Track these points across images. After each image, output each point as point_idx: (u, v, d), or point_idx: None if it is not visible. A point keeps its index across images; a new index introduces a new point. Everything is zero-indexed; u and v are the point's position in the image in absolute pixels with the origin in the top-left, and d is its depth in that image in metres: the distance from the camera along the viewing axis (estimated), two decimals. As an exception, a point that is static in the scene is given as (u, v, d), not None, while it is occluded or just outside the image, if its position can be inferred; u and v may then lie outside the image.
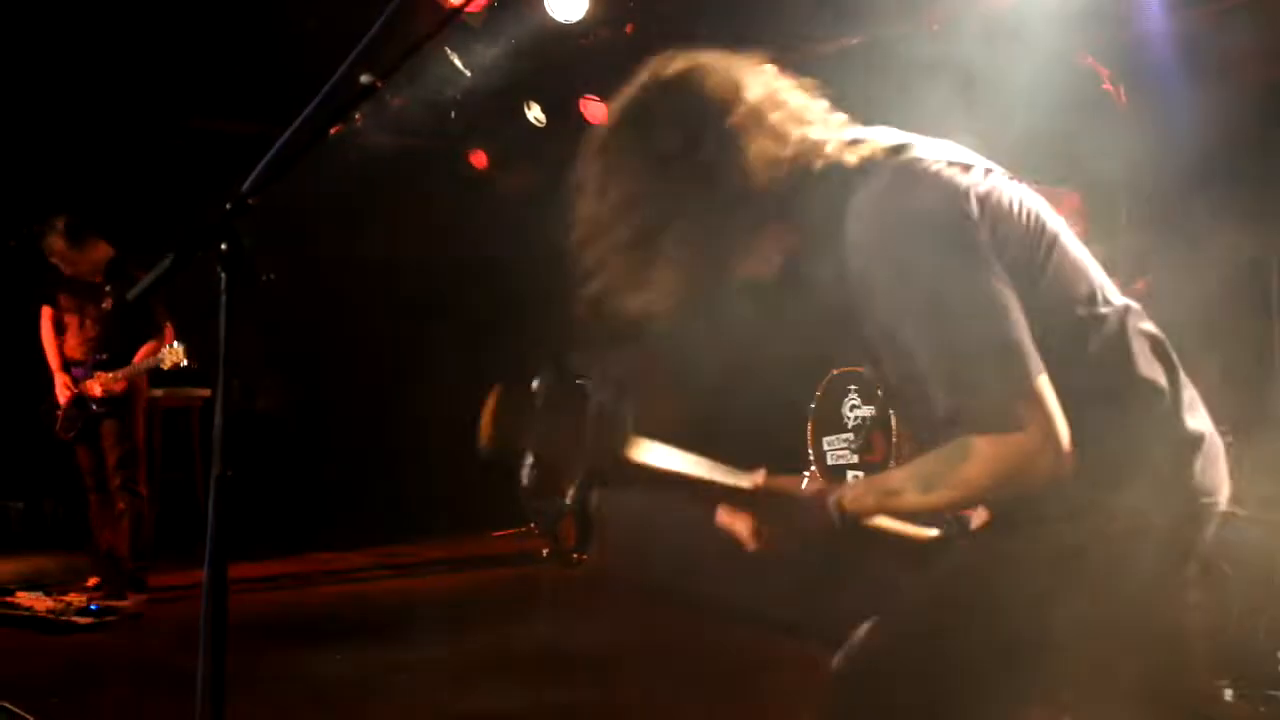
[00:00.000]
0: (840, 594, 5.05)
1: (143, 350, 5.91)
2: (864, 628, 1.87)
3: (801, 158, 1.71)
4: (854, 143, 1.76)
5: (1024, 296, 1.65)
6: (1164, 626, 1.84)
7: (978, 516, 1.93)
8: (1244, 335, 4.99)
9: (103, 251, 6.05)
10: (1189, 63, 5.40)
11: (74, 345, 6.01)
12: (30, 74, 7.76)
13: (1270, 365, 4.97)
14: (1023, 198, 1.76)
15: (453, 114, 8.27)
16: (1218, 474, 1.81)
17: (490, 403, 1.86)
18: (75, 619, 5.40)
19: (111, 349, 5.91)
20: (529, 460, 1.86)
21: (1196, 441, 1.78)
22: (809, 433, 6.19)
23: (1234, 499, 4.82)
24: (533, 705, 4.33)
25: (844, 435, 6.04)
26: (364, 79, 1.77)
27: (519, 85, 7.93)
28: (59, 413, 6.00)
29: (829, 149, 1.74)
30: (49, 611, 5.46)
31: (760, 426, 7.60)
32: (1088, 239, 5.18)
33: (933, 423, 1.70)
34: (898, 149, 1.75)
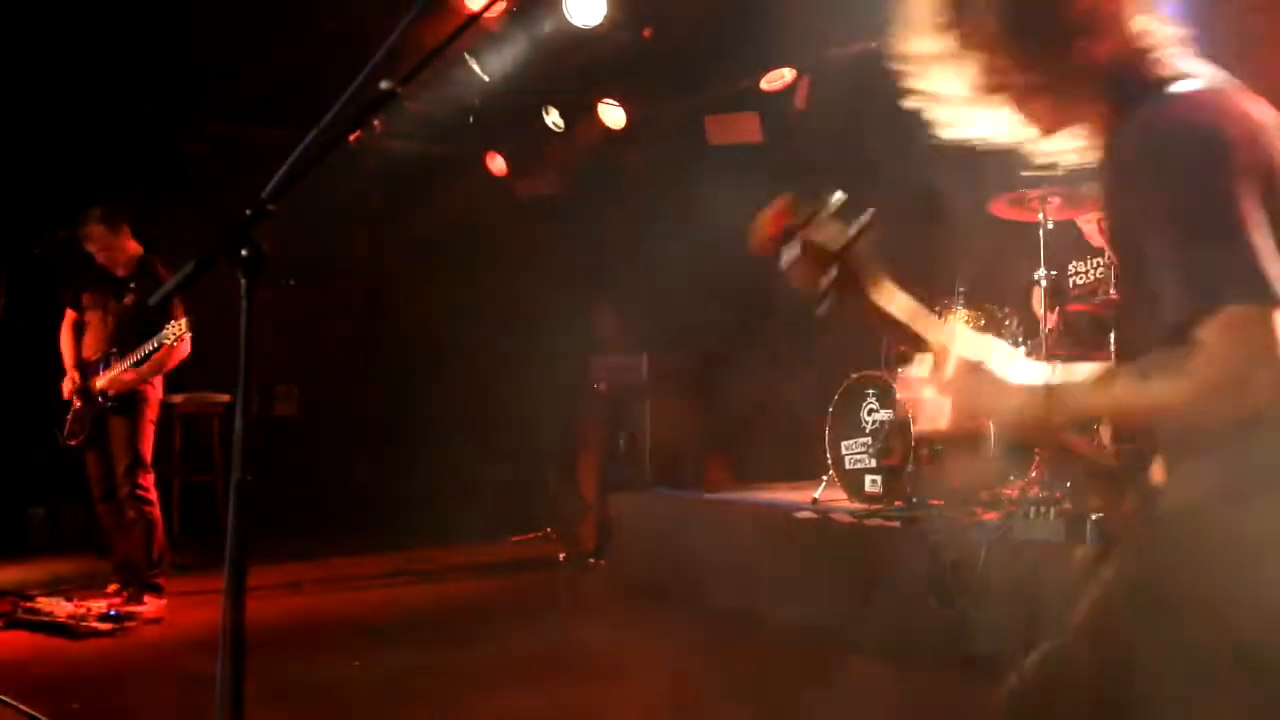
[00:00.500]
0: (863, 599, 5.05)
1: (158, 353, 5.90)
2: (1054, 647, 1.82)
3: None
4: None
5: None
6: None
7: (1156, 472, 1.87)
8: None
9: (133, 246, 6.09)
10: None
11: (91, 343, 6.03)
12: (53, 83, 7.81)
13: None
14: None
15: (471, 119, 8.29)
16: None
17: (781, 204, 1.83)
18: (95, 625, 5.42)
19: (124, 345, 5.92)
20: (796, 246, 1.82)
21: None
22: (827, 437, 6.17)
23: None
24: (551, 709, 4.33)
25: (862, 439, 6.02)
26: (384, 85, 1.77)
27: (538, 90, 7.93)
28: (68, 416, 6.03)
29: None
30: (69, 617, 5.48)
31: (779, 432, 7.61)
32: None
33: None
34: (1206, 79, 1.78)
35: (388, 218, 9.23)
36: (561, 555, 7.34)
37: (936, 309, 6.04)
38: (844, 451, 6.09)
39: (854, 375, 6.16)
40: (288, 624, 5.65)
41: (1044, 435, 1.88)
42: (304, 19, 7.05)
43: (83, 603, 5.68)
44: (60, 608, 5.58)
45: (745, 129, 7.86)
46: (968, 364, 1.83)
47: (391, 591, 6.72)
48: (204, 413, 8.53)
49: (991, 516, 5.31)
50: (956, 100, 1.90)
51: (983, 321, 5.87)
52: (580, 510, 7.70)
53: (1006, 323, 5.88)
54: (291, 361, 9.32)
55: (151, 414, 6.01)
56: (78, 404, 6.01)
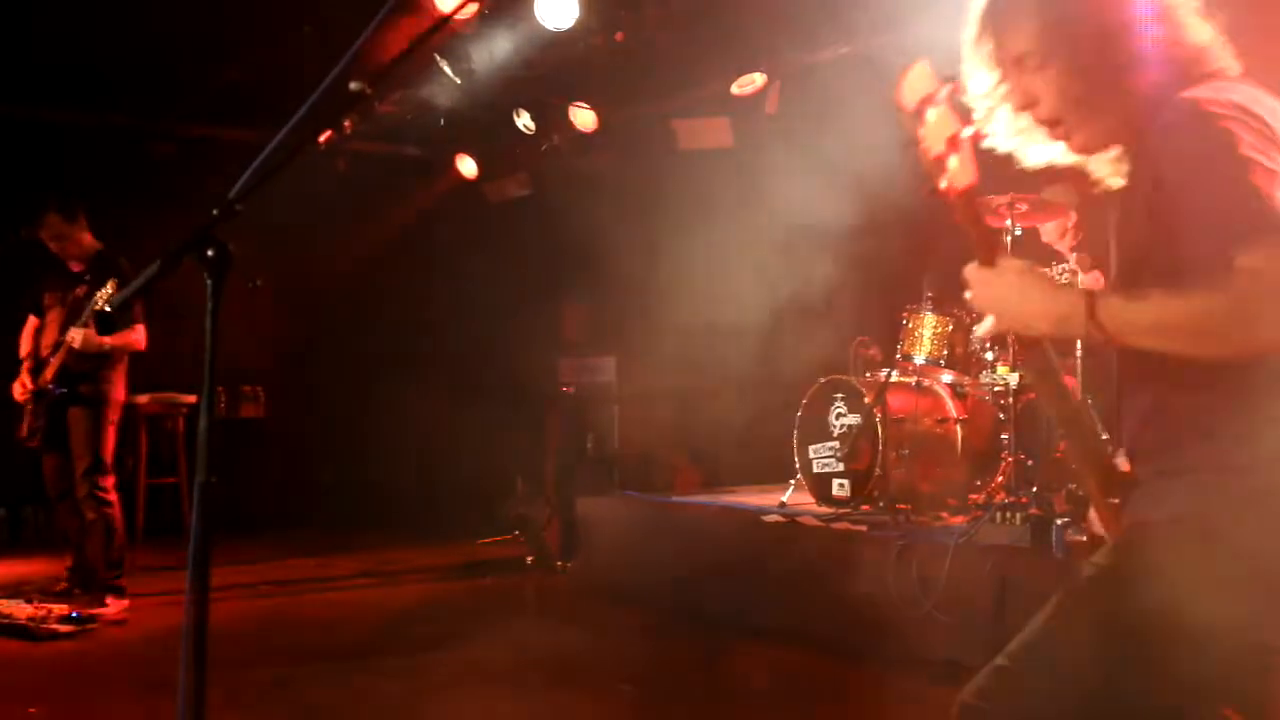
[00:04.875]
0: (831, 602, 5.08)
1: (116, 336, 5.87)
2: (1007, 660, 1.83)
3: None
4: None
5: None
6: None
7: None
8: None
9: (89, 240, 6.06)
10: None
11: (47, 341, 5.98)
12: (18, 82, 7.74)
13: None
14: None
15: (442, 121, 8.27)
16: None
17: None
18: (56, 627, 5.37)
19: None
20: (943, 110, 1.85)
21: None
22: (795, 440, 6.20)
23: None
24: (518, 713, 4.32)
25: (829, 443, 6.05)
26: (353, 86, 1.76)
27: (509, 92, 7.93)
28: (24, 417, 5.98)
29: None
30: (30, 619, 5.42)
31: (747, 435, 7.63)
32: (1079, 248, 5.16)
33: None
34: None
35: (356, 219, 9.19)
36: (529, 559, 7.33)
37: (904, 314, 6.08)
38: (811, 455, 6.11)
39: (822, 379, 6.18)
40: (252, 626, 5.62)
41: (1037, 363, 1.94)
42: (274, 20, 7.01)
43: (44, 605, 5.62)
44: (21, 609, 5.52)
45: (716, 134, 7.88)
46: (1021, 265, 1.85)
47: (357, 594, 6.69)
48: (169, 414, 8.46)
49: (958, 520, 5.34)
50: (1013, 130, 1.97)
51: (950, 327, 5.91)
52: (548, 514, 7.69)
53: (974, 329, 5.93)
54: (258, 363, 9.27)
55: (113, 415, 5.96)
56: (30, 405, 5.97)
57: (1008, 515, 4.82)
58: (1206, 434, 1.77)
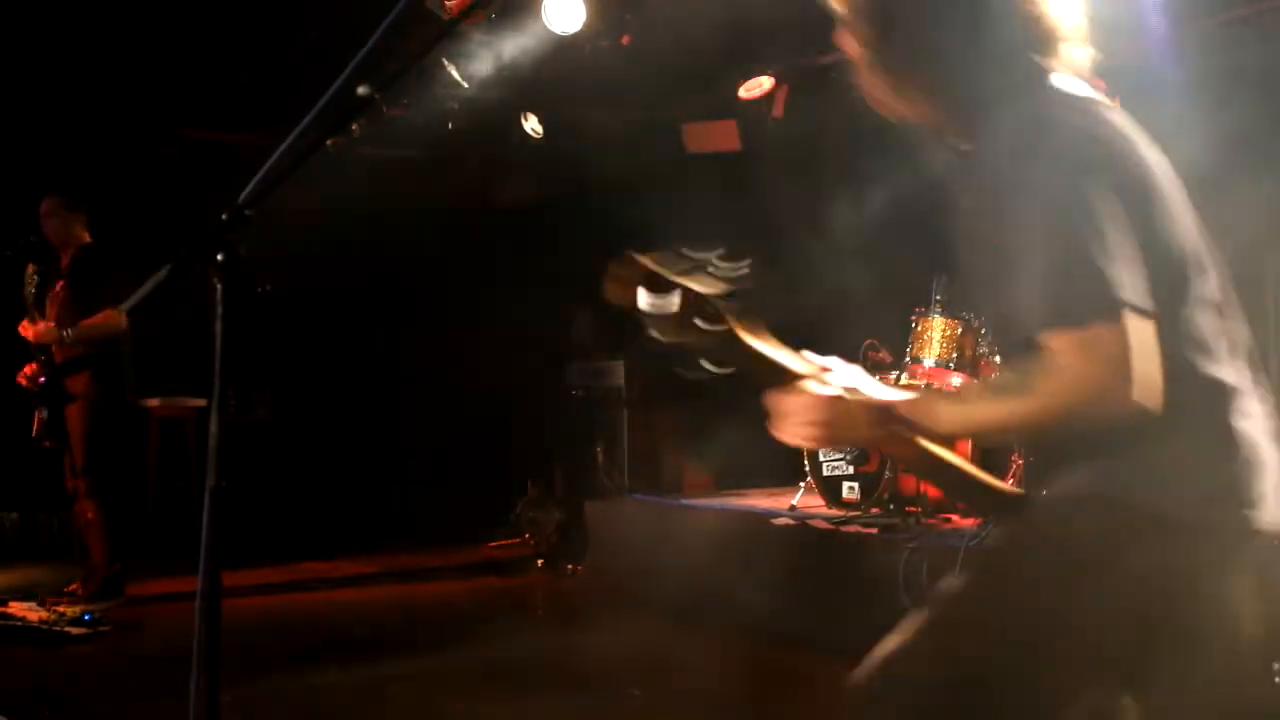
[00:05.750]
0: (841, 605, 5.06)
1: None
2: (889, 641, 1.82)
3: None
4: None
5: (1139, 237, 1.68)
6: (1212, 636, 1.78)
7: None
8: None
9: (81, 233, 6.12)
10: (1190, 77, 5.41)
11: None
12: (27, 86, 7.77)
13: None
14: (1142, 144, 1.80)
15: (449, 125, 8.28)
16: (1264, 489, 1.76)
17: (650, 257, 1.84)
18: (68, 630, 5.38)
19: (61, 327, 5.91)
20: (672, 297, 1.81)
21: (1251, 449, 1.75)
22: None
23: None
24: (527, 716, 4.32)
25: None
26: (362, 90, 1.77)
27: (516, 96, 7.94)
28: (35, 418, 6.02)
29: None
30: (42, 623, 5.43)
31: (758, 438, 7.62)
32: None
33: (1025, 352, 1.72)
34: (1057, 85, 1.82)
35: (365, 223, 9.19)
36: (538, 561, 7.33)
37: (913, 317, 6.07)
38: (822, 458, 6.11)
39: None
40: (263, 629, 5.62)
41: (910, 453, 1.90)
42: (283, 24, 7.03)
43: (56, 608, 5.63)
44: (33, 613, 5.54)
45: (724, 137, 7.89)
46: (830, 392, 1.84)
47: (368, 597, 6.70)
48: (179, 417, 8.49)
49: (968, 523, 5.33)
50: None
51: (960, 330, 5.91)
52: (557, 517, 7.69)
53: (983, 332, 5.92)
54: (267, 366, 9.28)
55: (107, 410, 5.97)
56: (35, 403, 6.00)
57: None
58: (1066, 460, 1.80)
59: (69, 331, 5.83)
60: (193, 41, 7.31)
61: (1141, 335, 1.61)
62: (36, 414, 5.99)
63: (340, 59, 1.81)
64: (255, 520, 7.96)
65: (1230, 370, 1.76)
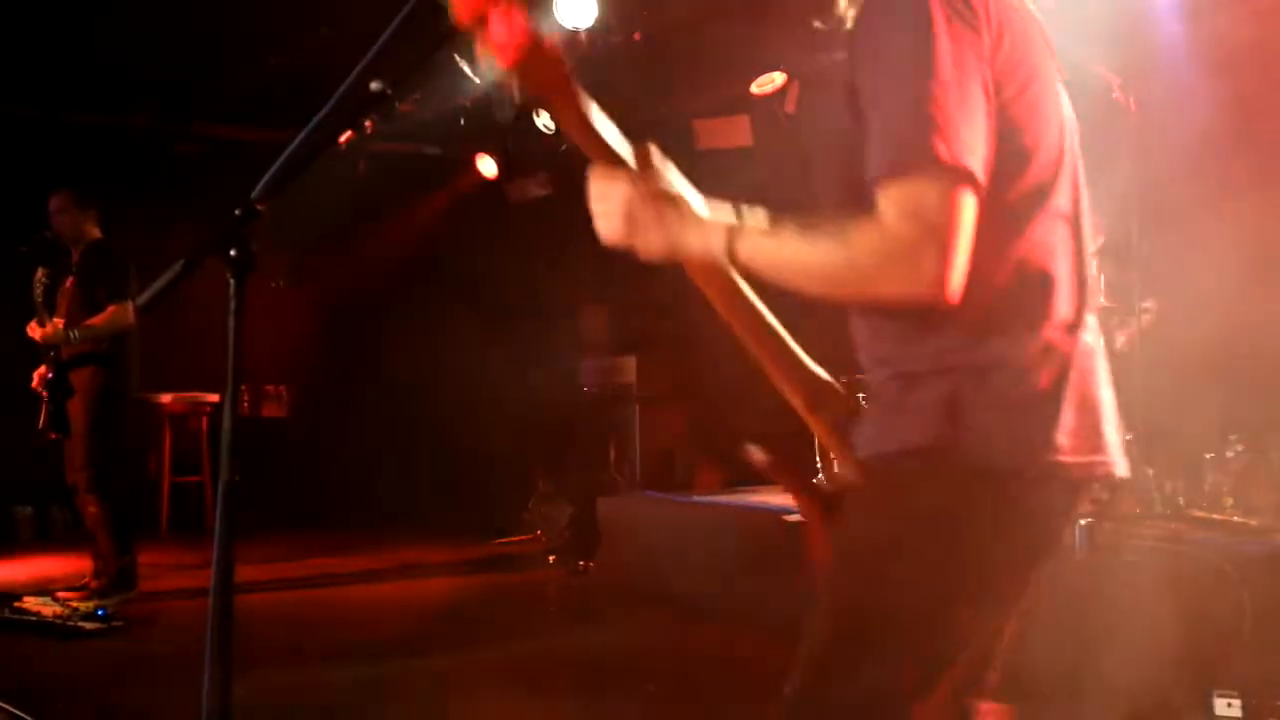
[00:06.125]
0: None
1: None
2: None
3: None
4: None
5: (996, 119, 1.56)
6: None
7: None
8: (1259, 347, 4.97)
9: (91, 229, 6.15)
10: (1203, 71, 5.39)
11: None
12: (44, 82, 7.80)
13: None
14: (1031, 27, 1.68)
15: (462, 120, 8.29)
16: (1100, 438, 1.67)
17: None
18: (82, 624, 5.40)
19: (72, 324, 5.94)
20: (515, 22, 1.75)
21: (1091, 388, 1.66)
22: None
23: (1247, 509, 4.78)
24: (541, 712, 4.33)
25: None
26: (374, 85, 1.77)
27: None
28: (42, 410, 6.05)
29: None
30: (56, 617, 5.46)
31: (771, 434, 7.61)
32: (1100, 255, 5.09)
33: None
34: None
35: (377, 219, 9.22)
36: (550, 558, 7.34)
37: None
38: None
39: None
40: (276, 624, 5.64)
41: (717, 281, 1.82)
42: (296, 20, 7.04)
43: (70, 602, 5.66)
44: (47, 607, 5.56)
45: (735, 133, 7.87)
46: (659, 183, 1.76)
47: (380, 593, 6.72)
48: (193, 413, 8.52)
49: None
50: None
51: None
52: (569, 513, 7.70)
53: None
54: (281, 362, 9.31)
55: (112, 404, 6.00)
56: (44, 395, 6.04)
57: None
58: (886, 359, 1.71)
59: (75, 332, 5.87)
60: (207, 37, 7.33)
61: (967, 211, 1.49)
62: (43, 406, 6.02)
63: (353, 54, 1.81)
64: (269, 516, 8.00)
65: (1073, 295, 1.66)
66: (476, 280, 9.76)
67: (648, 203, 1.74)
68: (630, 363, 8.38)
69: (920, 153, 1.49)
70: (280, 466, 8.87)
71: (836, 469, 1.90)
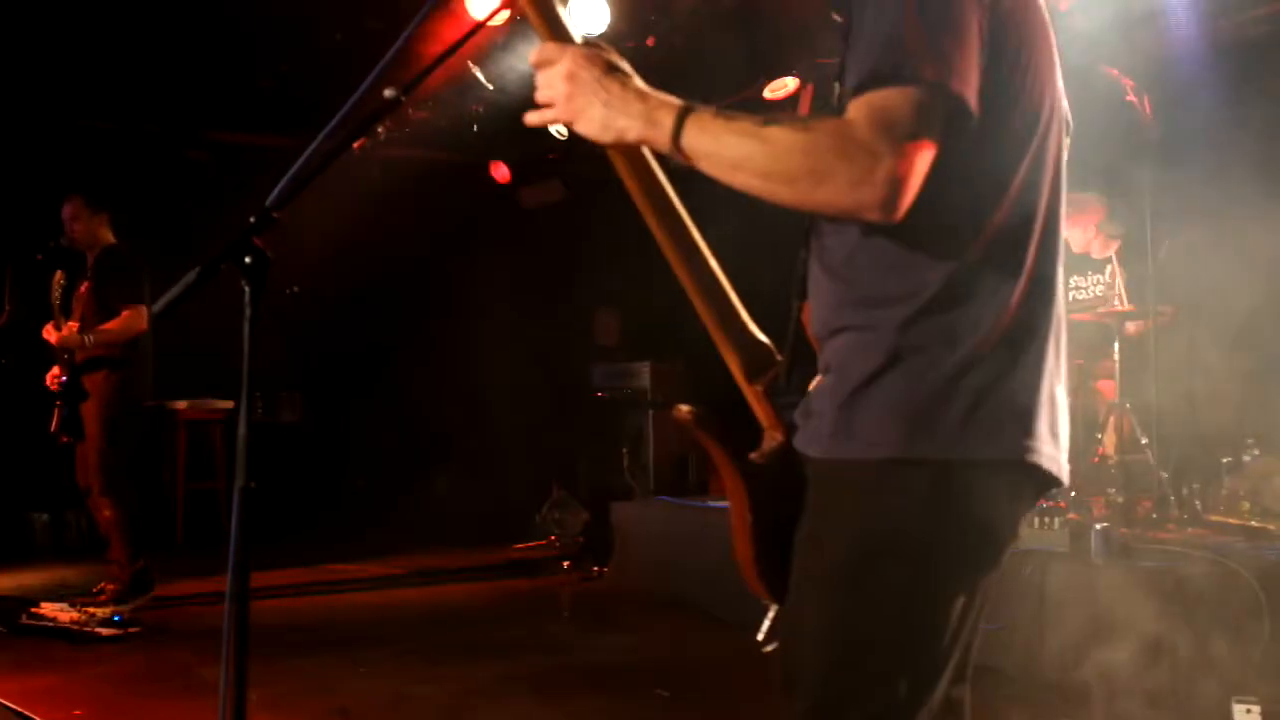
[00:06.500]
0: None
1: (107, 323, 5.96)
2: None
3: None
4: None
5: (992, 84, 1.50)
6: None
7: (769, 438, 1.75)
8: (1276, 350, 4.95)
9: (104, 234, 6.19)
10: (1216, 72, 5.37)
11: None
12: (58, 89, 7.83)
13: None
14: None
15: (475, 126, 8.31)
16: (1050, 432, 1.62)
17: None
18: (99, 630, 5.42)
19: (86, 328, 5.96)
20: None
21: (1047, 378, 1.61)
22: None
23: (1264, 514, 4.75)
24: (554, 717, 4.33)
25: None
26: (388, 93, 1.77)
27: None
28: (54, 413, 6.07)
29: None
30: (72, 623, 5.48)
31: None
32: (1120, 259, 5.08)
33: None
34: None
35: (392, 225, 9.23)
36: (564, 563, 7.33)
37: None
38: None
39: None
40: (291, 630, 5.65)
41: (646, 181, 1.71)
42: (309, 27, 7.07)
43: (86, 608, 5.68)
44: (63, 613, 5.58)
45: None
46: (605, 57, 1.63)
47: (394, 599, 6.72)
48: (207, 419, 8.54)
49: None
50: None
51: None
52: (583, 518, 7.70)
53: None
54: (295, 368, 9.33)
55: (125, 408, 6.02)
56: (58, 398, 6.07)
57: (1045, 520, 4.78)
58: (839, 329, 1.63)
59: (90, 336, 5.90)
60: (219, 44, 7.36)
61: (937, 135, 1.43)
62: (56, 409, 6.04)
63: (366, 61, 1.82)
64: (283, 522, 8.01)
65: (1041, 288, 1.61)
66: (490, 287, 9.77)
67: (595, 73, 1.61)
68: (644, 368, 8.38)
69: (906, 65, 1.43)
70: (295, 472, 8.89)
71: (766, 442, 1.78)
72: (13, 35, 7.07)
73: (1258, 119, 5.24)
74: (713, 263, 1.77)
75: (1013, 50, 1.54)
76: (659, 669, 4.94)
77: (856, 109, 1.43)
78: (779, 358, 1.78)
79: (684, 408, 1.77)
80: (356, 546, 8.23)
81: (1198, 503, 5.04)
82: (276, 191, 1.75)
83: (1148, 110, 5.08)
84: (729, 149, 1.51)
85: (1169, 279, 5.24)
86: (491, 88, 7.42)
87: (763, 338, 1.78)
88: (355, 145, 1.82)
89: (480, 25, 1.98)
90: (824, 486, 1.66)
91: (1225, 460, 5.09)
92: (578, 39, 1.70)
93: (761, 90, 7.53)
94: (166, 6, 6.87)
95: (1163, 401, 5.10)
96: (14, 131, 8.01)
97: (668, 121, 1.56)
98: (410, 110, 7.89)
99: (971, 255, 1.55)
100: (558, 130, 8.36)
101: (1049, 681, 4.13)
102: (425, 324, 9.87)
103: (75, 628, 5.43)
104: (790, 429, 1.73)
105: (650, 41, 7.13)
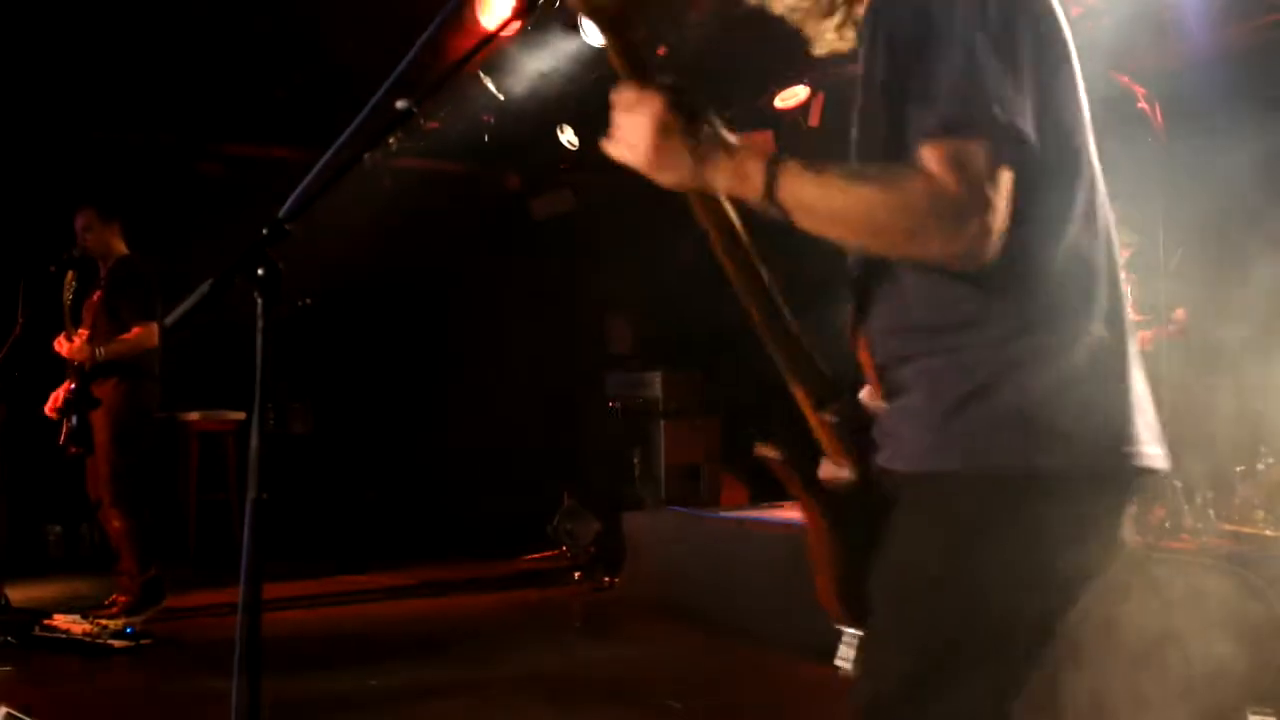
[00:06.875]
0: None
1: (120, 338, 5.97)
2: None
3: None
4: None
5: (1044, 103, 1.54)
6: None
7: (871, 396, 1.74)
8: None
9: (117, 244, 6.22)
10: (1228, 81, 5.36)
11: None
12: (70, 103, 7.87)
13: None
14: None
15: (486, 137, 8.32)
16: (1148, 429, 1.64)
17: None
18: (111, 642, 5.43)
19: (97, 337, 5.99)
20: None
21: (1123, 379, 1.63)
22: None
23: (1279, 523, 4.72)
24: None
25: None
26: (400, 104, 1.78)
27: (553, 108, 7.96)
28: (63, 426, 6.07)
29: None
30: (85, 635, 5.48)
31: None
32: (1129, 265, 5.07)
33: None
34: None
35: (403, 236, 9.25)
36: (575, 573, 7.33)
37: None
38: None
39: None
40: (304, 641, 5.65)
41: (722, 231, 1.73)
42: (321, 38, 7.09)
43: (99, 620, 5.69)
44: (76, 625, 5.59)
45: (760, 147, 7.87)
46: (694, 103, 1.63)
47: (406, 609, 6.72)
48: (219, 430, 8.56)
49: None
50: None
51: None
52: (594, 529, 7.69)
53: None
54: (306, 379, 9.34)
55: (135, 420, 6.03)
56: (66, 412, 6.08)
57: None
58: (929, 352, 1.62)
59: (102, 349, 5.91)
60: (232, 56, 7.39)
61: (1013, 174, 1.48)
62: (65, 421, 6.06)
63: (378, 73, 1.82)
64: (294, 532, 8.02)
65: (1112, 287, 1.63)
66: (501, 296, 9.78)
67: (680, 123, 1.61)
68: (656, 377, 8.38)
69: (974, 109, 1.47)
70: (306, 483, 8.89)
71: (834, 471, 1.81)
72: (25, 47, 7.10)
73: (1271, 126, 5.22)
74: (780, 300, 1.79)
75: (1053, 64, 1.59)
76: (669, 680, 4.92)
77: (938, 163, 1.46)
78: (839, 386, 1.82)
79: (770, 451, 1.83)
80: (368, 558, 8.24)
81: (1211, 512, 5.01)
82: (289, 203, 1.76)
83: (1159, 118, 5.06)
84: (822, 204, 1.54)
85: (1181, 286, 5.22)
86: (503, 98, 7.43)
87: (827, 369, 1.81)
88: (367, 156, 1.82)
89: (492, 36, 1.99)
90: (921, 499, 1.65)
91: (1239, 469, 5.07)
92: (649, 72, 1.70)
93: (773, 99, 7.54)
94: (179, 18, 6.90)
95: (1175, 409, 5.08)
96: (27, 143, 8.04)
97: (758, 176, 1.58)
98: (422, 121, 7.91)
99: (1055, 267, 1.58)
100: (569, 140, 8.39)
101: (1061, 691, 4.11)
102: (437, 334, 9.88)
103: (88, 640, 5.44)
104: (861, 452, 1.75)
105: (661, 51, 7.14)
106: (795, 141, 7.61)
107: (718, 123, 1.64)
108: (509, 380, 9.62)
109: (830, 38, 1.83)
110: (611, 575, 7.08)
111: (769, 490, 7.70)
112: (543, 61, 7.17)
